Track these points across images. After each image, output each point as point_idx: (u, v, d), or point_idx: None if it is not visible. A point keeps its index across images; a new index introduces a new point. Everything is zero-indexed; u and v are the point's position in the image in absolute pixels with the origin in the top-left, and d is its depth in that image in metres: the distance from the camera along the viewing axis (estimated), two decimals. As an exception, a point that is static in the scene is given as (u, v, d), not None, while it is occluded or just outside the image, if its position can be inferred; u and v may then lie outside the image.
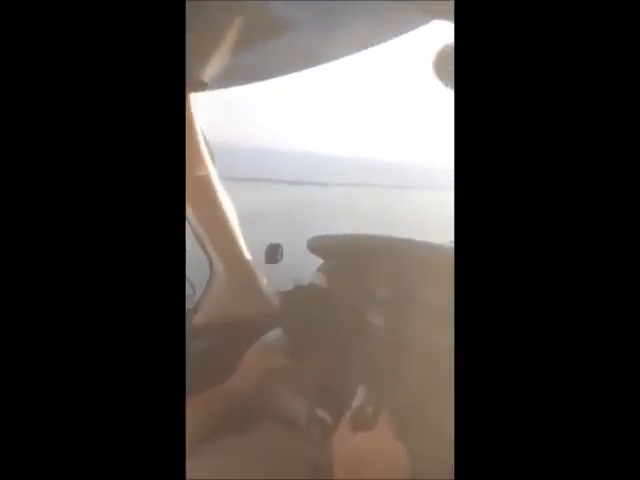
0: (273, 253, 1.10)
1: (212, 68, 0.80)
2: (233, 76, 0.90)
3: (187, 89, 0.91)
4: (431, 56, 0.47)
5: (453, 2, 0.34)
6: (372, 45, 0.64)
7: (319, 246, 1.11)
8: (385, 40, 0.60)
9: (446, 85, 0.48)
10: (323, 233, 1.12)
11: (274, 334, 0.95)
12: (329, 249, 1.11)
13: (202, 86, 0.90)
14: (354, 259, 1.06)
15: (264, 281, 1.11)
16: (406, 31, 0.54)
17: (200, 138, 1.00)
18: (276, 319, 1.03)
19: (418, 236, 1.01)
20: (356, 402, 0.70)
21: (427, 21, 0.50)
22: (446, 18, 0.44)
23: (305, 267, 1.14)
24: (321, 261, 1.14)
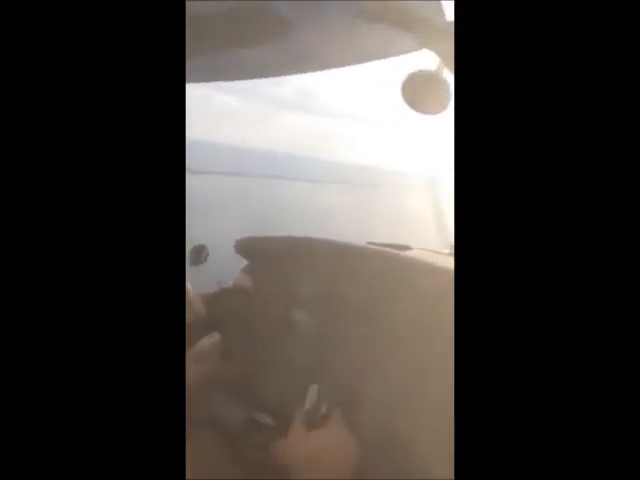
0: (198, 255, 1.05)
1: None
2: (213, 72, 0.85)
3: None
4: (402, 78, 0.50)
5: (446, 35, 0.36)
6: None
7: (245, 247, 1.09)
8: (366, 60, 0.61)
9: (411, 107, 0.51)
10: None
11: (207, 340, 0.91)
12: (255, 250, 1.10)
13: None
14: (279, 260, 1.06)
15: (188, 285, 1.06)
16: (391, 55, 0.56)
17: None
18: (203, 323, 0.99)
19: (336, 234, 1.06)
20: (308, 402, 0.71)
21: (416, 49, 0.53)
22: (435, 50, 0.46)
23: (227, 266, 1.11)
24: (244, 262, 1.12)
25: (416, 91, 0.50)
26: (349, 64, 0.67)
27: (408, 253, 1.04)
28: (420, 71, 0.49)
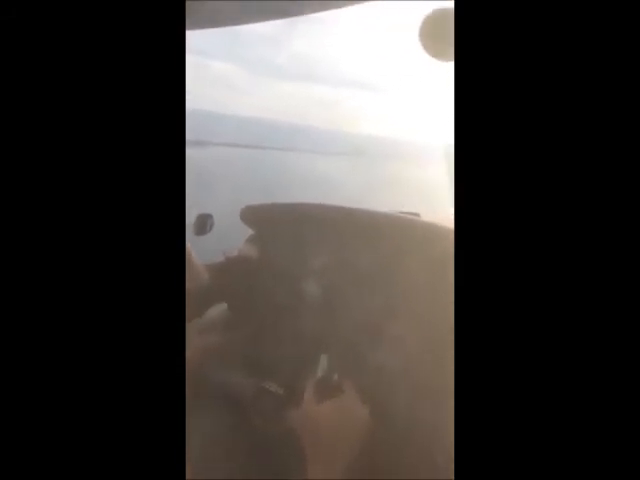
0: (203, 224, 1.03)
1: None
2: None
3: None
4: (419, 21, 0.46)
5: None
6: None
7: (251, 216, 1.06)
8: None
9: (425, 50, 0.47)
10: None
11: (214, 310, 0.90)
12: (260, 219, 1.07)
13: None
14: (285, 228, 1.04)
15: (194, 255, 1.04)
16: None
17: None
18: (209, 294, 0.98)
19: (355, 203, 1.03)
20: (320, 370, 0.71)
21: None
22: None
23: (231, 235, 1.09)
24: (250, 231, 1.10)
25: (433, 32, 0.46)
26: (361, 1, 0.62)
27: (417, 220, 1.01)
28: (438, 9, 0.45)
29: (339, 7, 0.66)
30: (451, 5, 0.44)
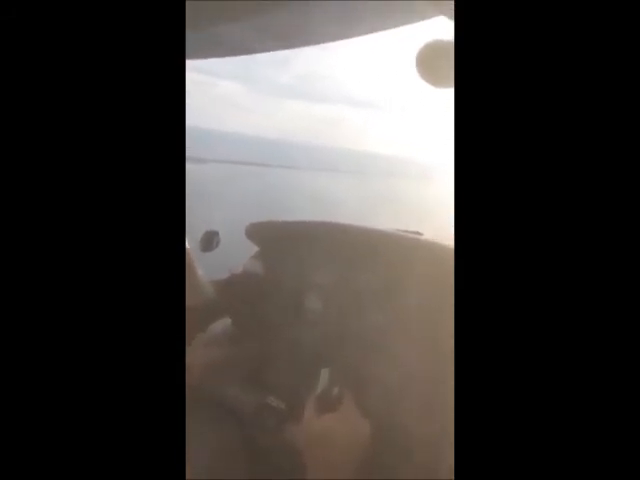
0: (209, 241, 1.05)
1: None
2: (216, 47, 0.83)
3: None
4: (416, 50, 0.48)
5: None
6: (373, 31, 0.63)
7: (256, 233, 1.09)
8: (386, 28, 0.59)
9: (426, 81, 0.49)
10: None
11: (218, 325, 0.92)
12: (265, 236, 1.10)
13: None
14: (289, 245, 1.06)
15: (200, 271, 1.07)
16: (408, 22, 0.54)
17: None
18: (214, 309, 1.00)
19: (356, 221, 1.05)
20: (320, 385, 0.72)
21: (431, 16, 0.51)
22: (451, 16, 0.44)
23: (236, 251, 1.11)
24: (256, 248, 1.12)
25: (430, 62, 0.48)
26: (361, 34, 0.65)
27: (419, 238, 1.03)
28: (435, 40, 0.47)
29: (344, 38, 0.68)
30: (444, 37, 0.47)
